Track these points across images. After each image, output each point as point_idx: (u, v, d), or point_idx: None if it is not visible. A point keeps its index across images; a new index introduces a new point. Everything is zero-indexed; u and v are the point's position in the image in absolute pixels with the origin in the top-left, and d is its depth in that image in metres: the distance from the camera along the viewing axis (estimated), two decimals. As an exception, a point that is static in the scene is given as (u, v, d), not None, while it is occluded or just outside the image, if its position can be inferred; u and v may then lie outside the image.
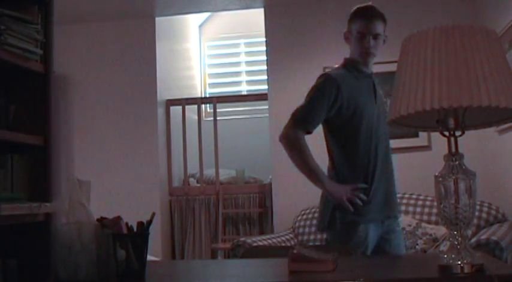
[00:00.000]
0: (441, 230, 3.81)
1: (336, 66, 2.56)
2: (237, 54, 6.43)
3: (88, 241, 1.54)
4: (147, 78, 5.10)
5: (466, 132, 1.46)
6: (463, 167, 1.43)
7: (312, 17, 4.90)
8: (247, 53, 6.36)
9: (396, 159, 2.58)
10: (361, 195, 2.35)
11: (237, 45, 6.42)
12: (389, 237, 2.47)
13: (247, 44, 6.35)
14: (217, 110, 5.41)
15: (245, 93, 6.25)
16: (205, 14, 6.22)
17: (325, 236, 2.53)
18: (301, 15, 4.93)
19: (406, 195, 4.28)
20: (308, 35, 4.91)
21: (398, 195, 4.36)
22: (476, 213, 2.97)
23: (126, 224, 1.57)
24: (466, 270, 1.34)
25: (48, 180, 1.73)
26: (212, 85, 6.40)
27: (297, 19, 4.95)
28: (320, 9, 4.87)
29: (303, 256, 1.51)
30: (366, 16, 2.42)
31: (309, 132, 2.41)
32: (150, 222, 1.58)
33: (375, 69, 2.55)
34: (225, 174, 5.32)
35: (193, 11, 5.51)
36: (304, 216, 4.49)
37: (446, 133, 1.45)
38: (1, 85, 1.78)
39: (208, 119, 5.59)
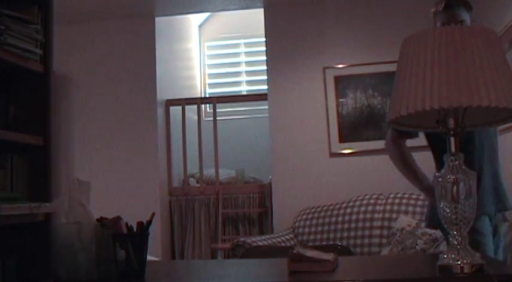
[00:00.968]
0: (441, 230, 3.81)
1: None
2: (237, 54, 6.43)
3: (88, 241, 1.54)
4: (146, 78, 5.10)
5: (466, 132, 1.46)
6: (463, 167, 1.43)
7: (312, 17, 4.90)
8: (247, 53, 6.36)
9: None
10: None
11: (236, 46, 6.42)
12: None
13: (247, 44, 6.35)
14: (217, 110, 5.41)
15: (245, 93, 6.25)
16: (205, 14, 6.22)
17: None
18: (301, 16, 4.93)
19: (406, 195, 4.28)
20: (308, 35, 4.90)
21: (398, 195, 4.41)
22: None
23: (126, 224, 1.57)
24: (466, 270, 1.34)
25: (48, 180, 1.73)
26: (212, 85, 6.41)
27: (297, 19, 4.94)
28: (320, 10, 4.86)
29: (302, 256, 1.51)
30: (447, 6, 2.35)
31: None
32: (150, 222, 1.57)
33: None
34: (224, 174, 5.32)
35: (193, 11, 5.51)
36: (304, 216, 4.48)
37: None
38: (1, 85, 1.78)
39: (208, 119, 5.59)
